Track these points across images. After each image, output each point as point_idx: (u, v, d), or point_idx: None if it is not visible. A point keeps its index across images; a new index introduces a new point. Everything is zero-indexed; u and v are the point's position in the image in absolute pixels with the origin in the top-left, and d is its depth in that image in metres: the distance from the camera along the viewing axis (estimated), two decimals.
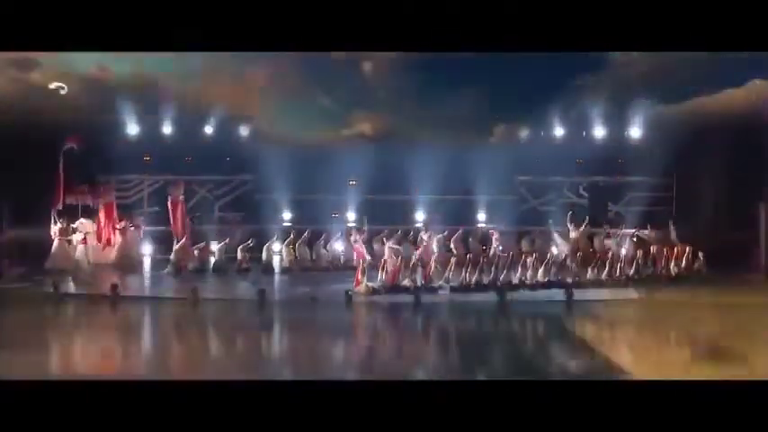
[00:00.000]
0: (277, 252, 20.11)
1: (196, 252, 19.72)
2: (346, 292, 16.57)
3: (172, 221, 20.37)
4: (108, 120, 21.75)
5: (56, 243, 19.53)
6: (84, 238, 19.64)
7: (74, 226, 19.89)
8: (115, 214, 20.67)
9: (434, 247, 19.26)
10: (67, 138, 20.15)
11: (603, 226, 20.86)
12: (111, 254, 20.28)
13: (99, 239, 20.28)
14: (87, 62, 21.57)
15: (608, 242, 20.30)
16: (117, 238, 20.44)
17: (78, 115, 20.79)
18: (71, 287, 17.82)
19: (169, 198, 20.63)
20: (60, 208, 19.98)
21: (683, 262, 18.56)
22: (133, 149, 22.22)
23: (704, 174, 21.82)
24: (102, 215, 20.38)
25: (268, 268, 19.60)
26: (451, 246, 20.16)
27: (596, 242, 20.43)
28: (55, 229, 19.52)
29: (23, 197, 19.58)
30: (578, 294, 16.86)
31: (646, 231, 20.44)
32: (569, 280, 17.79)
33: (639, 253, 19.07)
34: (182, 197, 20.71)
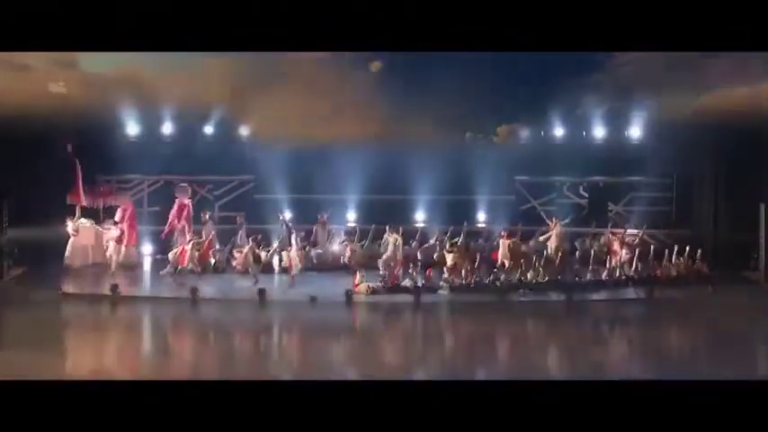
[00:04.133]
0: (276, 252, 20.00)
1: (196, 253, 19.62)
2: (346, 292, 16.58)
3: (176, 222, 20.35)
4: (108, 119, 21.69)
5: (71, 242, 19.67)
6: (120, 238, 19.55)
7: (78, 224, 19.96)
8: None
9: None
10: (63, 139, 20.16)
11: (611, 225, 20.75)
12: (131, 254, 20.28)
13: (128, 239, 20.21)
14: (87, 62, 21.54)
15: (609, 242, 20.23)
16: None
17: (78, 115, 20.75)
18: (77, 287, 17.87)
19: (177, 200, 20.66)
20: (81, 206, 20.07)
21: (683, 262, 18.54)
22: (133, 149, 22.17)
23: (704, 174, 21.79)
24: (125, 215, 20.24)
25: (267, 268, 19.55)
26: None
27: (596, 243, 20.36)
28: (72, 227, 19.67)
29: (24, 197, 19.57)
30: (578, 294, 16.86)
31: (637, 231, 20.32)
32: (569, 280, 17.80)
33: (638, 252, 19.05)
34: (187, 200, 20.75)
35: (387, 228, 18.87)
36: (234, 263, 18.98)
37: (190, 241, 18.81)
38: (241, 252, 18.69)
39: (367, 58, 21.74)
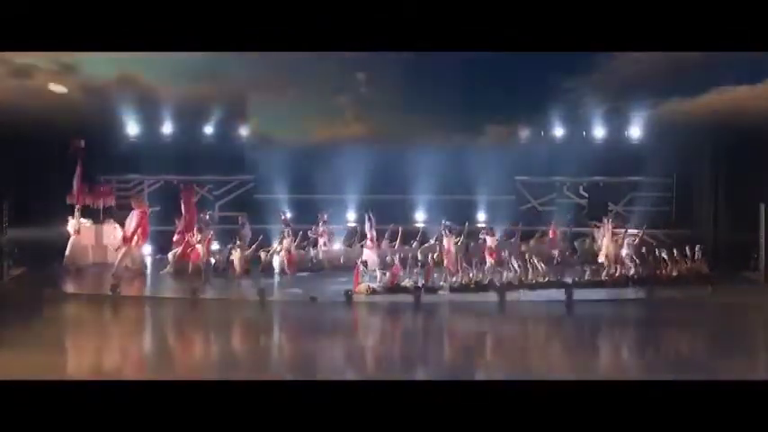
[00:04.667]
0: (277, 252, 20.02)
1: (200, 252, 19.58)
2: (346, 292, 16.58)
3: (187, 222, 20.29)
4: (108, 120, 21.72)
5: (72, 241, 19.74)
6: (135, 242, 19.54)
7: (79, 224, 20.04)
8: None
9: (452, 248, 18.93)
10: (73, 138, 20.12)
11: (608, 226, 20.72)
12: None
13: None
14: (88, 62, 21.57)
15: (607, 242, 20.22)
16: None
17: (79, 116, 20.77)
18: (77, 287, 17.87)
19: (182, 199, 20.61)
20: (78, 206, 20.13)
21: (683, 262, 18.54)
22: (133, 149, 22.21)
23: (704, 174, 21.79)
24: (139, 219, 20.14)
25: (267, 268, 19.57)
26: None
27: (596, 244, 20.36)
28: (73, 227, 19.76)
29: (24, 197, 19.59)
30: (578, 294, 16.86)
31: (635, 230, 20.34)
32: (569, 280, 17.80)
33: (636, 252, 19.09)
34: (193, 199, 20.74)
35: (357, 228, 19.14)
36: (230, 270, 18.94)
37: (199, 241, 18.81)
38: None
39: (366, 58, 21.74)
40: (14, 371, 10.39)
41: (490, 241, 18.55)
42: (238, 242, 18.91)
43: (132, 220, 19.77)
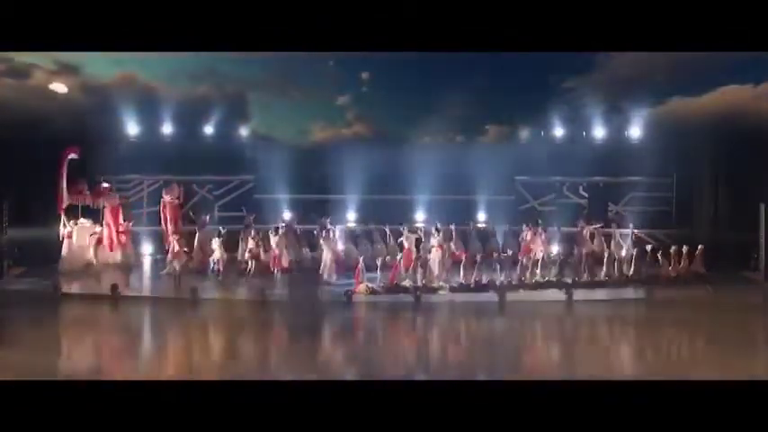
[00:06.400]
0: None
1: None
2: (346, 293, 16.59)
3: (162, 223, 20.42)
4: (108, 120, 21.73)
5: (65, 244, 19.68)
6: (99, 239, 19.67)
7: (77, 225, 20.02)
8: (121, 216, 20.60)
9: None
10: (68, 147, 19.99)
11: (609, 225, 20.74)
12: (117, 255, 20.31)
13: (109, 240, 20.22)
14: (88, 62, 21.59)
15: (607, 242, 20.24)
16: (121, 239, 20.47)
17: (78, 116, 20.78)
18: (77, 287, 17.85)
19: (162, 200, 20.60)
20: (63, 209, 20.02)
21: (683, 262, 18.54)
22: (133, 149, 22.21)
23: (704, 174, 21.79)
24: (108, 216, 20.27)
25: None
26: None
27: (596, 242, 20.36)
28: (64, 231, 19.70)
29: (24, 197, 19.58)
30: (578, 294, 16.86)
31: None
32: (569, 280, 17.81)
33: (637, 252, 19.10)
34: (177, 200, 20.66)
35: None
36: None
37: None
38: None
39: (366, 58, 21.77)
40: (14, 371, 10.39)
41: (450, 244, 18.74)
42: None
43: (117, 217, 20.02)
